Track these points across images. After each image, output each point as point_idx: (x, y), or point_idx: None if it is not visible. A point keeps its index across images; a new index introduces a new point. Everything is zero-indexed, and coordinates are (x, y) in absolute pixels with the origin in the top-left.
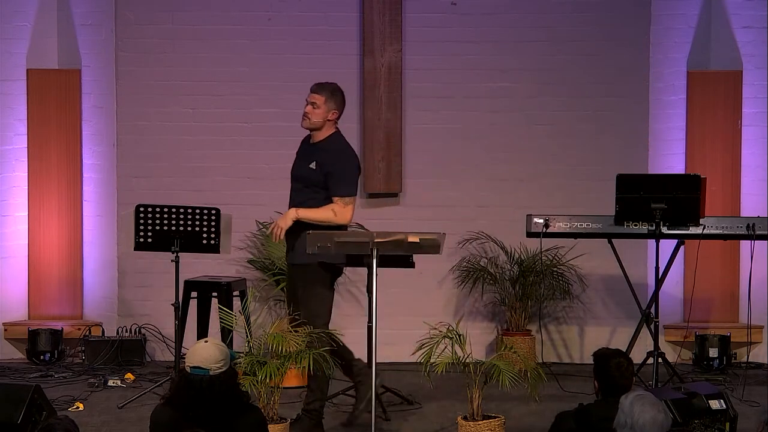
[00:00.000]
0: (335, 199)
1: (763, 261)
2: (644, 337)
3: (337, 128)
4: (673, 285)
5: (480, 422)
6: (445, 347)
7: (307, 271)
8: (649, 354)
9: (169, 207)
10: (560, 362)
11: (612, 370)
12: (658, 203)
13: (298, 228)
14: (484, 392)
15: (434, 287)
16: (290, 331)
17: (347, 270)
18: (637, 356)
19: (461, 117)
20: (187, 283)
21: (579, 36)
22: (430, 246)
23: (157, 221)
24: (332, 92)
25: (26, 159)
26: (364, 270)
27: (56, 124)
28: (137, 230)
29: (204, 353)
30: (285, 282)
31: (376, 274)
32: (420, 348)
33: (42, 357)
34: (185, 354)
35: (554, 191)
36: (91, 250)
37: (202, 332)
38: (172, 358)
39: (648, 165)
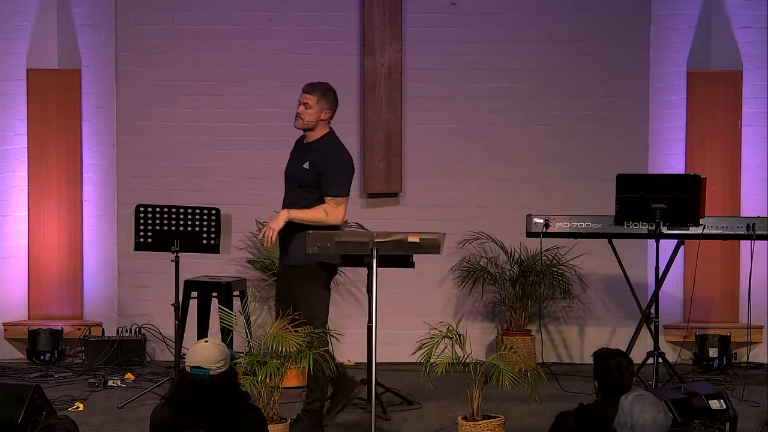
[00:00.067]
0: (327, 199)
1: (763, 261)
2: (644, 337)
3: (330, 128)
4: (673, 285)
5: (480, 422)
6: (445, 347)
7: (306, 272)
8: (649, 354)
9: (169, 207)
10: (560, 362)
11: (612, 370)
12: (658, 203)
13: (292, 229)
14: (484, 392)
15: (434, 287)
16: (290, 331)
17: (347, 270)
18: (637, 356)
19: (461, 117)
20: (187, 283)
21: (579, 36)
22: (430, 246)
23: (157, 221)
24: (324, 92)
25: (26, 159)
26: (364, 270)
27: (56, 124)
28: (137, 230)
29: (204, 353)
30: (276, 282)
31: (376, 274)
32: (420, 348)
33: (42, 357)
34: (185, 354)
35: (554, 191)
36: (91, 250)
37: (202, 332)
38: (172, 358)
39: (648, 165)
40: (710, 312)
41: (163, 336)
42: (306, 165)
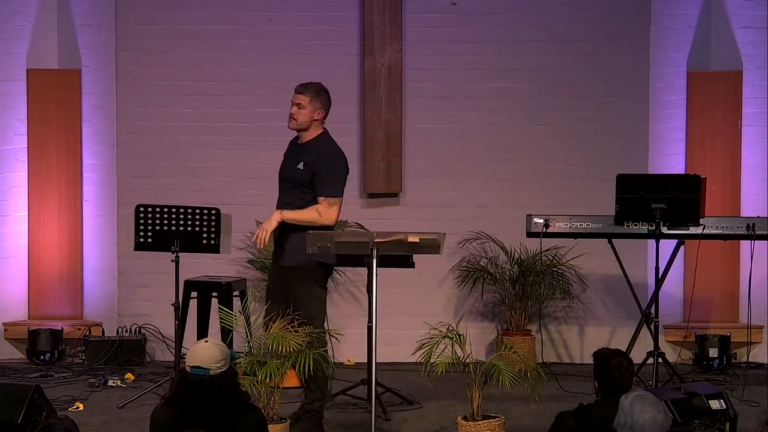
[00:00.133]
0: (320, 199)
1: (763, 261)
2: (644, 337)
3: (324, 128)
4: (673, 285)
5: (480, 422)
6: (445, 347)
7: (305, 273)
8: (649, 354)
9: (169, 207)
10: (560, 362)
11: (612, 370)
12: (658, 203)
13: (287, 230)
14: (484, 392)
15: (434, 287)
16: (291, 331)
17: (347, 270)
18: (637, 356)
19: (461, 117)
20: (187, 283)
21: (579, 36)
22: (430, 246)
23: (157, 221)
24: (317, 92)
25: (26, 159)
26: (364, 270)
27: (56, 124)
28: (137, 230)
29: (204, 353)
30: (269, 282)
31: (376, 274)
32: (420, 348)
33: (42, 357)
34: (185, 354)
35: (554, 191)
36: (91, 250)
37: (202, 332)
38: (172, 358)
39: (648, 165)
40: (710, 312)
41: (163, 336)
42: (300, 165)
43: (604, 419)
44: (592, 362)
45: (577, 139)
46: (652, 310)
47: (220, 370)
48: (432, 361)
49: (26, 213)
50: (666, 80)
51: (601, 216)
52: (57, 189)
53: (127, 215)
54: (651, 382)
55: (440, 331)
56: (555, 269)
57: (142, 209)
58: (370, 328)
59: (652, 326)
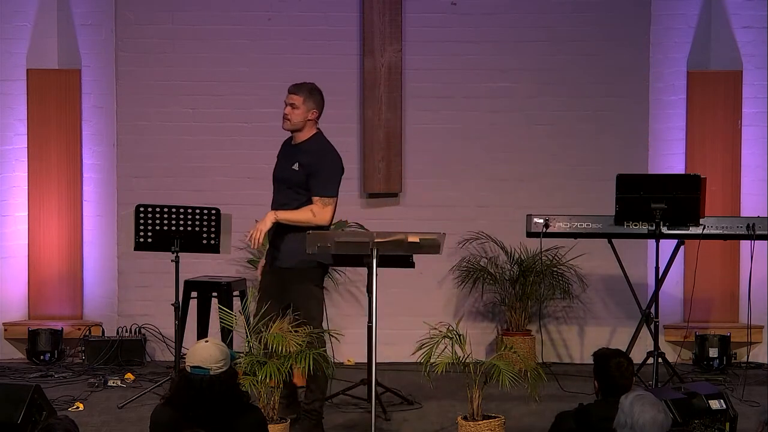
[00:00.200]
0: (315, 199)
1: (763, 261)
2: (644, 337)
3: (318, 128)
4: (673, 285)
5: (480, 422)
6: (445, 347)
7: (304, 273)
8: (649, 354)
9: (169, 207)
10: (560, 362)
11: (612, 370)
12: (658, 203)
13: (282, 230)
14: (484, 392)
15: (434, 287)
16: (291, 331)
17: (347, 270)
18: (637, 356)
19: (461, 117)
20: (187, 283)
21: (579, 36)
22: (430, 246)
23: (157, 221)
24: (310, 91)
25: (26, 159)
26: (364, 270)
27: (56, 124)
28: (137, 230)
29: (204, 353)
30: (264, 282)
31: (376, 274)
32: (420, 348)
33: (42, 357)
34: (185, 354)
35: (554, 191)
36: (91, 250)
37: (202, 332)
38: (172, 358)
39: (648, 165)
40: (710, 312)
41: (163, 336)
42: (295, 166)
43: (604, 419)
44: (592, 362)
45: (577, 139)
46: (652, 310)
47: (220, 370)
48: (432, 361)
49: (26, 213)
50: (666, 80)
51: (601, 216)
52: (57, 189)
53: (127, 215)
54: (651, 382)
55: (440, 331)
56: (555, 269)
57: (142, 209)
58: (370, 328)
59: (652, 326)
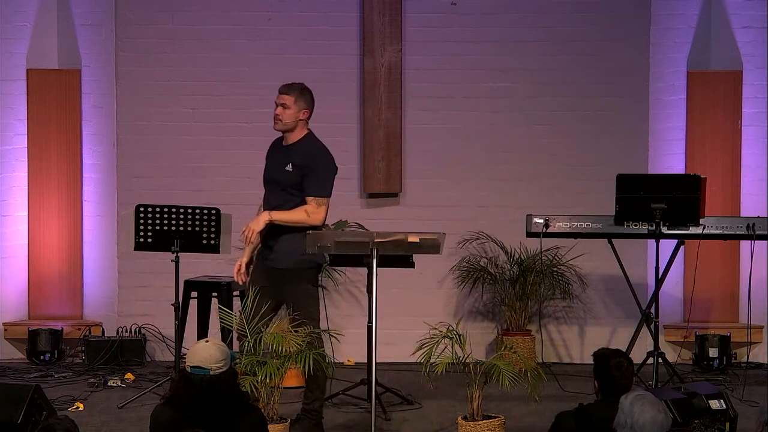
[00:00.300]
0: (309, 199)
1: (763, 261)
2: (644, 337)
3: (309, 129)
4: (673, 285)
5: (480, 422)
6: (445, 347)
7: (302, 274)
8: (649, 354)
9: (169, 207)
10: (560, 362)
11: (612, 370)
12: (658, 203)
13: (276, 231)
14: (484, 392)
15: (434, 287)
16: (291, 331)
17: (347, 270)
18: (637, 356)
19: (461, 117)
20: (187, 283)
21: (579, 36)
22: (430, 246)
23: (157, 221)
24: (301, 91)
25: (26, 159)
26: (364, 270)
27: (56, 124)
28: (137, 230)
29: (204, 353)
30: (257, 282)
31: (376, 274)
32: (420, 348)
33: (42, 357)
34: (185, 354)
35: (554, 191)
36: (91, 250)
37: (202, 332)
38: (172, 358)
39: (648, 165)
40: (710, 312)
41: (163, 336)
42: (289, 167)
43: (604, 419)
44: (592, 362)
45: (577, 139)
46: (652, 310)
47: (221, 370)
48: (432, 361)
49: (26, 213)
50: (666, 80)
51: (601, 216)
52: (57, 189)
53: (127, 215)
54: (651, 382)
55: (440, 331)
56: (555, 269)
57: (142, 209)
58: (370, 328)
59: (652, 326)
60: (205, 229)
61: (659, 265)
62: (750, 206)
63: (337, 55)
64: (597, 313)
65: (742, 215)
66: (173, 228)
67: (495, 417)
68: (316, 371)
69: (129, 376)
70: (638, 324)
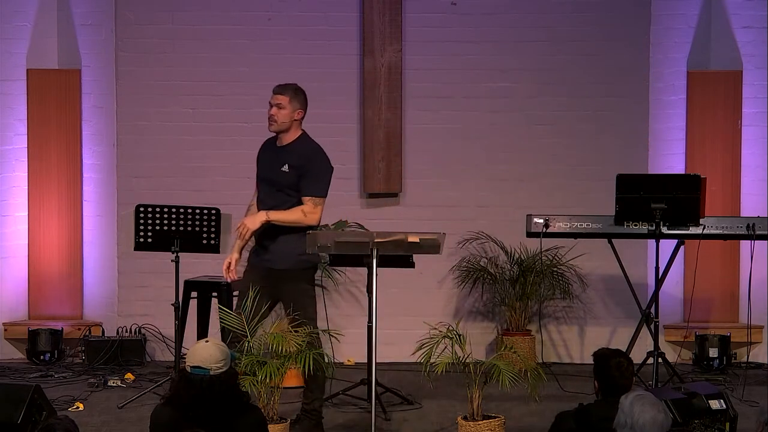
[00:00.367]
0: (305, 199)
1: (763, 261)
2: (644, 337)
3: (303, 129)
4: (673, 285)
5: (480, 422)
6: (445, 347)
7: (300, 275)
8: (649, 354)
9: (169, 207)
10: (560, 362)
11: (612, 370)
12: (658, 203)
13: (273, 232)
14: (484, 392)
15: (434, 287)
16: (291, 331)
17: (347, 270)
18: (637, 356)
19: (461, 117)
20: (187, 283)
21: (579, 36)
22: (430, 246)
23: (157, 221)
24: (295, 91)
25: (26, 159)
26: (364, 270)
27: (56, 124)
28: (137, 230)
29: (204, 353)
30: (253, 282)
31: (376, 274)
32: (420, 348)
33: (42, 357)
34: (185, 354)
35: (554, 191)
36: (91, 250)
37: (202, 332)
38: (172, 358)
39: (648, 165)
40: (710, 312)
41: (163, 336)
42: (285, 168)
43: (604, 419)
44: (592, 362)
45: (577, 139)
46: (652, 310)
47: (221, 370)
48: (432, 361)
49: (26, 213)
50: (666, 80)
51: (601, 216)
52: (57, 189)
53: (127, 215)
54: (651, 382)
55: (440, 331)
56: (555, 269)
57: (142, 209)
58: (370, 328)
59: (652, 326)
60: (205, 229)
61: (659, 265)
62: (750, 206)
63: (337, 55)
64: (597, 313)
65: (742, 215)
66: (173, 228)
67: (495, 417)
68: (316, 371)
69: (129, 376)
70: (638, 324)
